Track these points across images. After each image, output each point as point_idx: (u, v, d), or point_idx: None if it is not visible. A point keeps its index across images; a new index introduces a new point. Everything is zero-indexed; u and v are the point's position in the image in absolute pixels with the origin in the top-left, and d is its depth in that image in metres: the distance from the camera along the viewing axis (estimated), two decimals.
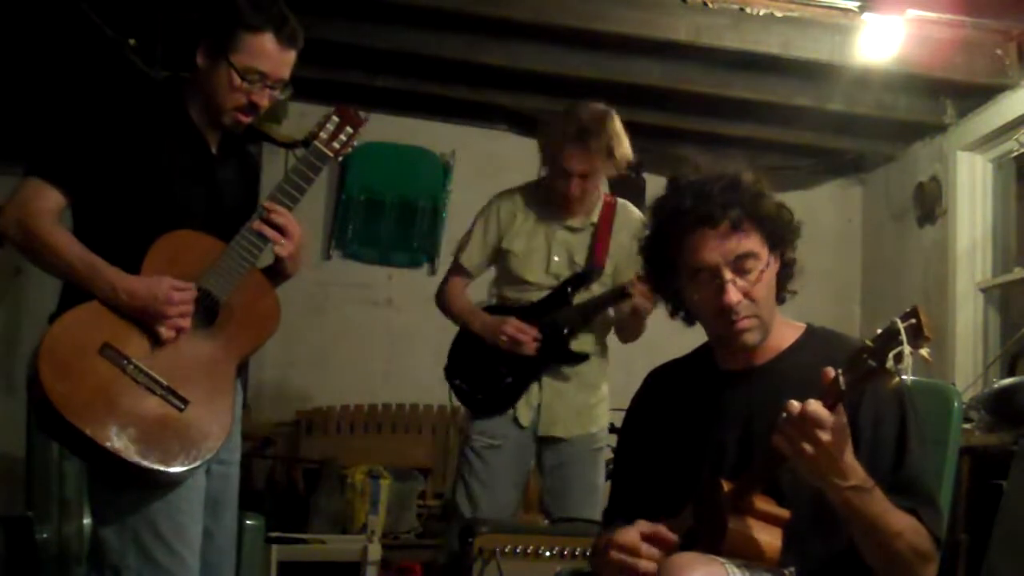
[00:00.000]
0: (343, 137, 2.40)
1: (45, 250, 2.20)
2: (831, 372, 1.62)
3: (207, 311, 2.24)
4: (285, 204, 2.32)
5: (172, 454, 2.15)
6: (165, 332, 2.17)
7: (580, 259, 3.33)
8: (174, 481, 2.19)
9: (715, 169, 1.94)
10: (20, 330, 5.08)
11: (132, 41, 4.47)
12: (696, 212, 1.85)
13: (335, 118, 2.40)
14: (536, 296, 3.32)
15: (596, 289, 3.32)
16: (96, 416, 2.10)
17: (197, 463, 2.18)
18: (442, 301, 3.46)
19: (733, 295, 1.84)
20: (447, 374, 3.42)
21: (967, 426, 3.50)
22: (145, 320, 2.17)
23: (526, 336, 3.22)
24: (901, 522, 1.73)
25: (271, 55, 2.28)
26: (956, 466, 2.00)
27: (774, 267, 1.90)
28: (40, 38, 4.34)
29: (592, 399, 3.36)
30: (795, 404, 1.63)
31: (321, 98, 5.59)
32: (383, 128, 5.61)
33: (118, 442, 2.10)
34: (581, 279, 3.31)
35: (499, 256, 3.38)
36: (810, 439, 1.62)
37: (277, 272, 2.41)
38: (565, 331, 3.28)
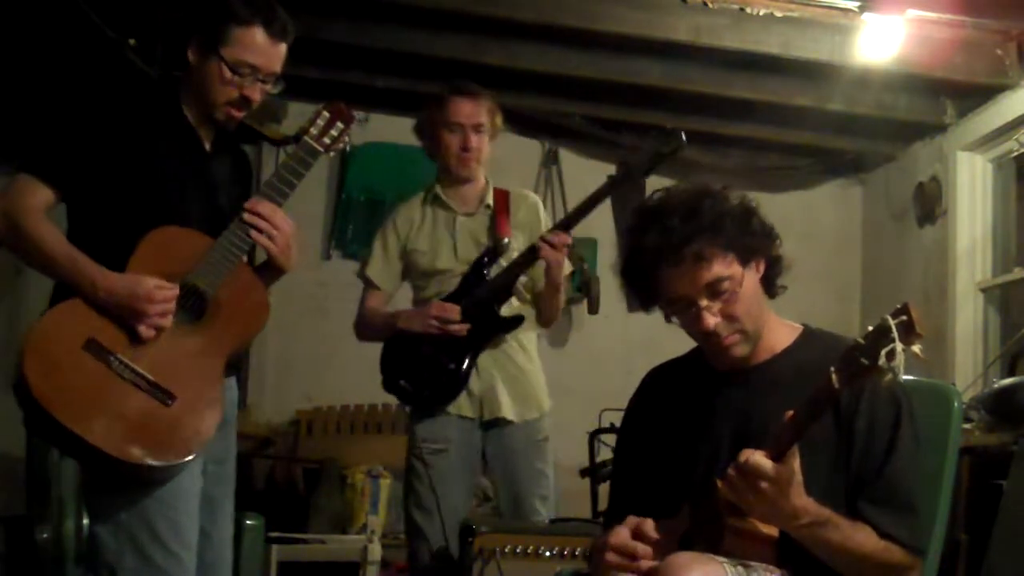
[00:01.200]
0: (334, 132, 2.40)
1: (30, 246, 2.20)
2: (789, 413, 1.64)
3: (195, 306, 2.24)
4: (275, 200, 2.31)
5: (160, 449, 2.14)
6: (144, 330, 2.16)
7: (485, 240, 3.35)
8: (164, 477, 2.18)
9: (683, 185, 1.95)
10: (20, 330, 5.08)
11: (132, 41, 4.48)
12: (658, 252, 1.86)
13: (325, 113, 2.40)
14: (453, 285, 3.31)
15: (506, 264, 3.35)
16: (82, 412, 2.09)
17: (186, 458, 2.17)
18: (362, 326, 3.41)
19: (710, 321, 1.86)
20: (386, 384, 3.38)
21: (967, 426, 3.50)
22: (124, 317, 2.16)
23: (452, 312, 3.20)
24: (867, 544, 1.75)
25: (261, 48, 2.28)
26: (956, 466, 2.00)
27: (753, 277, 1.90)
28: (40, 38, 4.34)
29: (529, 375, 3.36)
30: (744, 454, 1.67)
31: (321, 98, 5.52)
32: (383, 128, 5.62)
33: (105, 438, 2.08)
34: (492, 253, 3.32)
35: (407, 263, 3.38)
36: (752, 490, 1.66)
37: (271, 268, 2.40)
38: (488, 299, 3.27)
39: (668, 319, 1.97)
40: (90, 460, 2.16)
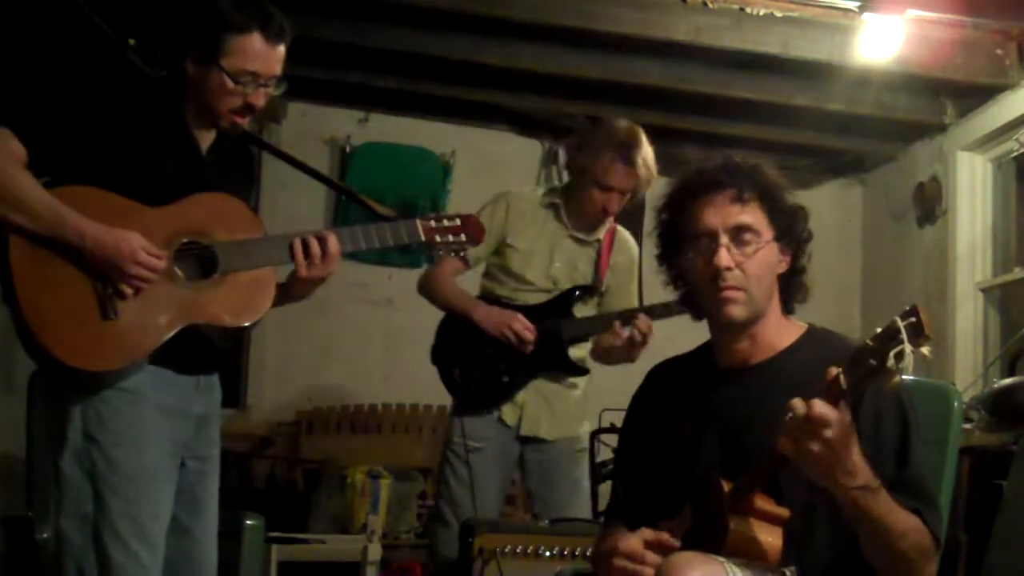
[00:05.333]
0: (450, 237, 2.41)
1: (9, 193, 2.12)
2: (834, 371, 1.61)
3: (204, 265, 2.24)
4: (345, 245, 2.33)
5: (92, 353, 2.14)
6: (125, 289, 2.15)
7: (582, 269, 3.32)
8: (95, 385, 2.17)
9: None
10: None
11: (132, 41, 4.47)
12: (705, 176, 1.92)
13: (458, 220, 2.42)
14: (532, 297, 3.29)
15: (590, 304, 3.33)
16: (40, 297, 2.10)
17: (114, 367, 2.16)
18: (431, 284, 3.34)
19: (724, 258, 1.87)
20: (435, 356, 3.35)
21: (967, 426, 3.50)
22: (106, 273, 2.15)
23: (530, 336, 3.20)
24: (906, 522, 1.73)
25: (261, 54, 2.26)
26: (956, 466, 2.00)
27: (775, 255, 1.92)
28: (40, 38, 4.34)
29: (573, 404, 3.37)
30: (799, 404, 1.61)
31: (321, 98, 5.61)
32: (383, 128, 5.62)
33: (38, 316, 2.09)
34: (586, 291, 3.30)
35: (499, 250, 3.33)
36: (817, 439, 1.60)
37: (287, 289, 2.39)
38: (567, 340, 3.26)
39: (675, 284, 2.00)
40: (24, 341, 2.14)
